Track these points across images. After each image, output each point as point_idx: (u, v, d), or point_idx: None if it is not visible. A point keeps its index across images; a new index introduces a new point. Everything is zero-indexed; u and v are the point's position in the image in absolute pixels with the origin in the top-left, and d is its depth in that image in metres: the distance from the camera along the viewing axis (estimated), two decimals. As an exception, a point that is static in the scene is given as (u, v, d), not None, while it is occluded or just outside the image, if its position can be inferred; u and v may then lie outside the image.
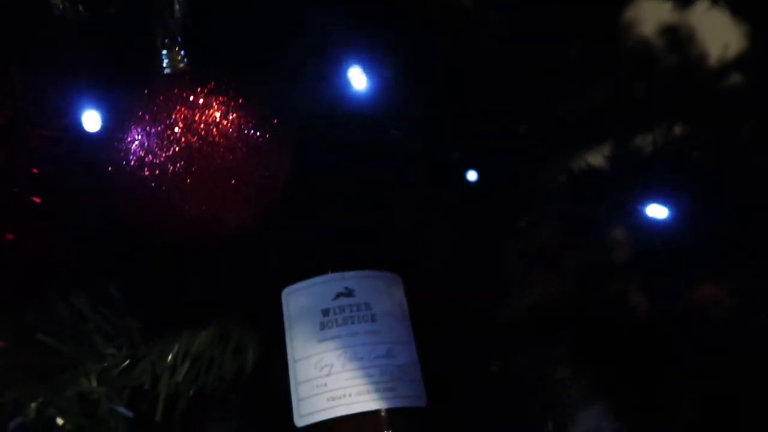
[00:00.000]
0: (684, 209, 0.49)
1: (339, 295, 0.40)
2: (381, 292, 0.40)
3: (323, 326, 0.39)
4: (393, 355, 0.38)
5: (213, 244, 0.39)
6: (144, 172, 0.36)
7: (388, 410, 0.36)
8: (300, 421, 0.37)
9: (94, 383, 0.32)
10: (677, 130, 0.54)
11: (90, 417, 0.32)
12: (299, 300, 0.40)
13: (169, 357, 0.37)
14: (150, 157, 0.36)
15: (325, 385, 0.37)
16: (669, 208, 0.48)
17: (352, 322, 0.39)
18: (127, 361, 0.35)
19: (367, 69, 0.43)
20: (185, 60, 0.39)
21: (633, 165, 0.53)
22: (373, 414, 0.36)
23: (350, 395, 0.37)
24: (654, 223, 0.51)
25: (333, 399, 0.37)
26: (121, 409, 0.33)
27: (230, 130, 0.37)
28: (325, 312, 0.39)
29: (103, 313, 0.35)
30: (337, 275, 0.40)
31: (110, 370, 0.34)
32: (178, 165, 0.36)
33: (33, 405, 0.33)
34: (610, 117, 0.55)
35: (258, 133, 0.38)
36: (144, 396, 0.36)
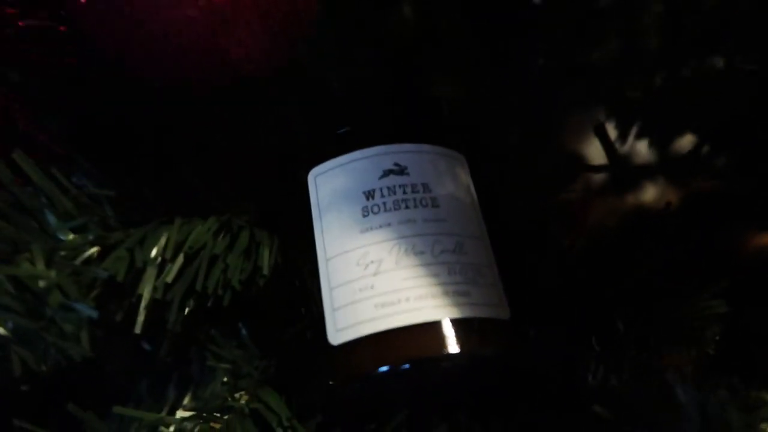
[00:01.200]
0: None
1: (388, 173, 0.30)
2: (442, 173, 0.30)
3: (367, 212, 0.29)
4: (464, 251, 0.28)
5: (216, 93, 0.28)
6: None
7: (459, 321, 0.26)
8: (336, 337, 0.27)
9: (41, 267, 0.22)
10: None
11: (34, 317, 0.22)
12: (333, 181, 0.30)
13: (154, 249, 0.26)
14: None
15: (372, 287, 0.27)
16: None
17: (407, 207, 0.29)
18: (94, 249, 0.25)
19: None
20: None
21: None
22: (440, 326, 0.26)
23: (408, 300, 0.26)
24: None
25: (383, 305, 0.26)
26: (83, 307, 0.22)
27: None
28: (369, 194, 0.29)
29: (58, 181, 0.25)
30: (379, 149, 0.30)
31: (67, 255, 0.24)
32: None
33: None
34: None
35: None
36: (118, 299, 0.26)
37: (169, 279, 0.26)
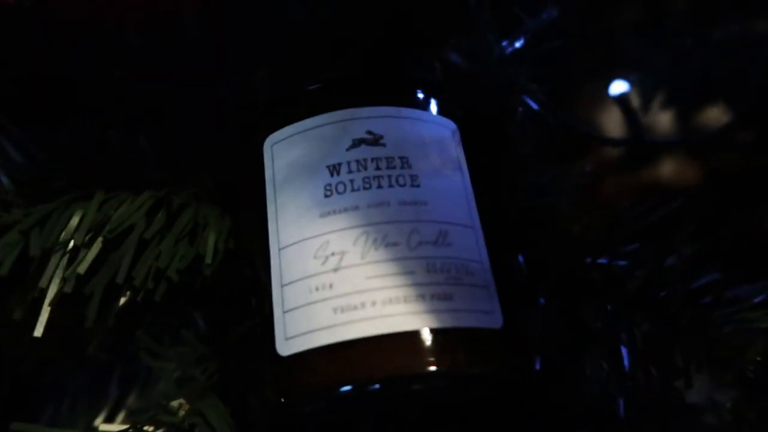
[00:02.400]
0: None
1: (358, 142, 0.24)
2: (427, 145, 0.25)
3: (330, 191, 0.23)
4: (448, 243, 0.23)
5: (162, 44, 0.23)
6: None
7: (437, 331, 0.21)
8: (285, 347, 0.22)
9: None
10: None
11: None
12: (292, 151, 0.24)
13: (63, 231, 0.21)
14: None
15: (331, 286, 0.22)
16: None
17: (379, 186, 0.23)
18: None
19: None
20: None
21: None
22: (413, 337, 0.21)
23: (374, 304, 0.21)
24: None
25: (344, 310, 0.21)
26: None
27: None
28: (334, 169, 0.23)
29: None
30: (349, 112, 0.24)
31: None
32: None
33: None
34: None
35: None
36: (20, 293, 0.21)
37: (82, 270, 0.21)
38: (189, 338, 0.26)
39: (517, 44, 0.31)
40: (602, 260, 0.26)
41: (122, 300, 0.25)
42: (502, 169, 0.27)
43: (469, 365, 0.21)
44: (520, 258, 0.26)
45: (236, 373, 0.24)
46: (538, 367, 0.23)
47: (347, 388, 0.20)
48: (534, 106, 0.28)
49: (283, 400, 0.21)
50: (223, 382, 0.25)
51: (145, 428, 0.24)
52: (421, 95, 0.25)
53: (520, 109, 0.29)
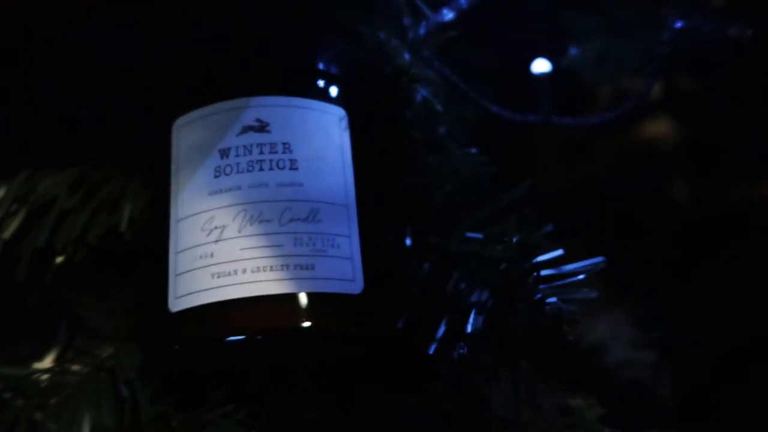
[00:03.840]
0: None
1: (247, 129, 0.27)
2: (310, 130, 0.28)
3: (219, 172, 0.27)
4: (318, 219, 0.26)
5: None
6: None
7: (299, 296, 0.25)
8: (175, 305, 0.25)
9: None
10: None
11: None
12: (193, 134, 0.28)
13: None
14: None
15: (212, 255, 0.25)
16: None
17: (261, 169, 0.27)
18: None
19: None
20: None
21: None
22: (278, 300, 0.25)
23: (245, 271, 0.25)
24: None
25: (219, 275, 0.25)
26: None
27: None
28: (224, 153, 0.27)
29: None
30: (242, 101, 0.27)
31: None
32: None
33: None
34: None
35: None
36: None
37: (6, 235, 0.26)
38: (113, 294, 0.30)
39: (422, 32, 0.34)
40: (474, 235, 0.29)
41: (57, 260, 0.29)
42: (391, 152, 0.30)
43: (327, 324, 0.25)
44: (402, 233, 0.30)
45: (143, 328, 0.28)
46: (400, 326, 0.27)
47: (220, 339, 0.24)
48: (425, 93, 0.31)
49: (176, 347, 0.26)
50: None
51: (73, 367, 0.29)
52: (310, 85, 0.28)
53: (420, 96, 0.32)
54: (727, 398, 0.43)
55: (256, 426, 0.25)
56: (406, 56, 0.33)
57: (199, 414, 0.26)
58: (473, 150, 0.34)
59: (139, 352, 0.28)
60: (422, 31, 0.35)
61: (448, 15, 0.37)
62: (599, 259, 0.26)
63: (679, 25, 0.34)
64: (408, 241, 0.31)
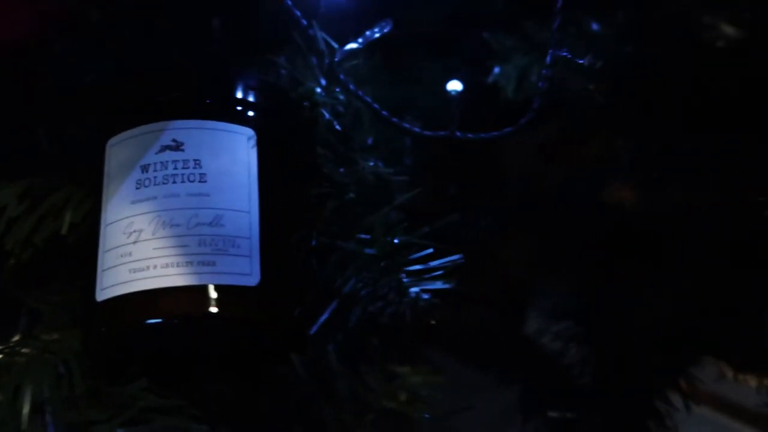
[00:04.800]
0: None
1: (165, 148, 0.32)
2: (220, 149, 0.33)
3: (139, 185, 0.32)
4: (221, 224, 0.31)
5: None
6: None
7: (201, 287, 0.30)
8: (100, 295, 0.31)
9: None
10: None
11: None
12: (121, 152, 0.33)
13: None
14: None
15: (130, 254, 0.30)
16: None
17: (174, 182, 0.32)
18: None
19: None
20: None
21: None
22: (182, 291, 0.30)
23: (156, 267, 0.30)
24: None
25: (135, 271, 0.30)
26: None
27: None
28: (145, 168, 0.32)
29: None
30: (162, 124, 0.32)
31: None
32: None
33: None
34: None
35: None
36: None
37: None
38: (60, 289, 0.35)
39: (337, 59, 0.39)
40: (364, 236, 0.34)
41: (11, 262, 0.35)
42: (298, 166, 0.35)
43: (227, 311, 0.30)
44: (306, 234, 0.35)
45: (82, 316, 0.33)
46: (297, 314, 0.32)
47: (135, 323, 0.29)
48: (326, 115, 0.36)
49: (103, 330, 0.31)
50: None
51: (23, 350, 0.34)
52: (221, 110, 0.33)
53: (328, 116, 0.37)
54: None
55: (169, 395, 0.30)
56: (323, 82, 0.39)
57: (123, 387, 0.31)
58: (380, 163, 0.39)
59: (77, 338, 0.34)
60: (337, 58, 0.40)
61: (359, 44, 0.42)
62: (458, 256, 0.31)
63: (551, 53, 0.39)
64: (313, 242, 0.36)
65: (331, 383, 0.25)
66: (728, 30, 0.44)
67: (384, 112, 0.41)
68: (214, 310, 0.30)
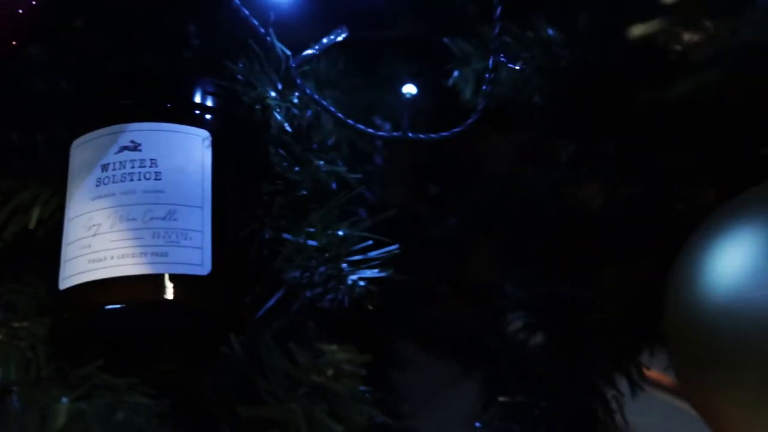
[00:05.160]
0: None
1: (123, 149, 0.35)
2: (174, 149, 0.35)
3: (99, 182, 0.34)
4: (174, 218, 0.34)
5: None
6: None
7: (154, 276, 0.32)
8: (62, 284, 0.33)
9: None
10: None
11: None
12: (83, 153, 0.35)
13: None
14: None
15: (89, 246, 0.33)
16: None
17: (131, 179, 0.34)
18: None
19: None
20: None
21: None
22: (137, 279, 0.32)
23: (112, 258, 0.32)
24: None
25: (94, 261, 0.33)
26: None
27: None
28: (104, 167, 0.35)
29: None
30: (121, 126, 0.35)
31: None
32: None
33: None
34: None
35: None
36: None
37: None
38: (32, 281, 0.38)
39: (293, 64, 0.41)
40: (311, 229, 0.37)
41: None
42: (252, 164, 0.37)
43: (178, 298, 0.32)
44: (260, 228, 0.37)
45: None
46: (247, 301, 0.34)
47: (93, 309, 0.32)
48: (278, 118, 0.38)
49: (65, 316, 0.33)
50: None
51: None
52: (176, 113, 0.36)
53: (280, 118, 0.39)
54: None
55: (125, 375, 0.32)
56: (279, 86, 0.41)
57: (86, 368, 0.34)
58: (340, 162, 0.42)
59: (46, 325, 0.36)
60: (294, 64, 0.43)
61: (315, 50, 0.44)
62: (394, 247, 0.33)
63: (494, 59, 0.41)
64: (266, 235, 0.38)
65: (264, 361, 0.28)
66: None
67: (339, 115, 0.44)
68: (167, 297, 0.32)
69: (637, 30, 0.37)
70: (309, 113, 0.42)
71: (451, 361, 0.64)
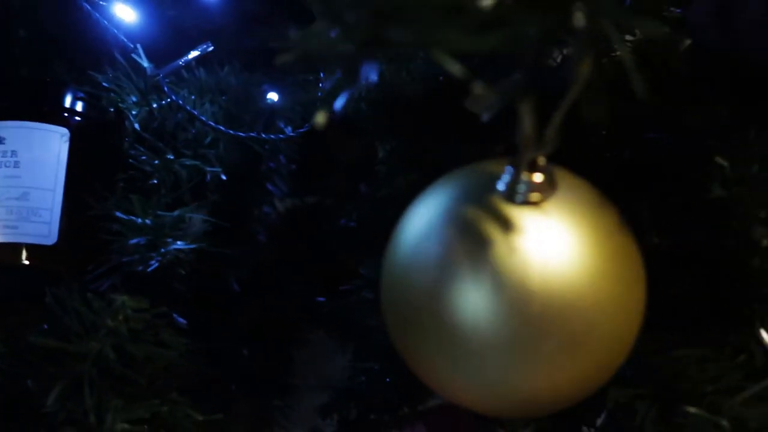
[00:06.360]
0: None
1: (-8, 142, 0.43)
2: (33, 143, 0.43)
3: (-28, 169, 0.43)
4: (27, 199, 0.42)
5: None
6: None
7: (7, 244, 0.41)
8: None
9: None
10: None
11: None
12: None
13: None
14: None
15: (-43, 219, 0.41)
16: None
17: (-4, 167, 0.42)
18: None
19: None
20: None
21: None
22: (-9, 247, 0.41)
23: (-27, 229, 0.41)
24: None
25: (-39, 232, 0.41)
26: None
27: None
28: (-23, 157, 0.43)
29: None
30: (-8, 124, 0.43)
31: None
32: None
33: None
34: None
35: None
36: None
37: None
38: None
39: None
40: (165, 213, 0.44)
41: None
42: (106, 157, 0.45)
43: (27, 262, 0.40)
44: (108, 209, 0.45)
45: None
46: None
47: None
48: (131, 118, 0.46)
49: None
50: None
51: None
52: (38, 113, 0.44)
53: (132, 119, 0.47)
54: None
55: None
56: (142, 92, 0.49)
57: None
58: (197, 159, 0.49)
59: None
60: (160, 74, 0.51)
61: (182, 62, 0.52)
62: (201, 217, 0.41)
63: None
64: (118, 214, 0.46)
65: (73, 310, 0.36)
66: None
67: (202, 117, 0.52)
68: (17, 261, 0.40)
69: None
70: (180, 116, 0.50)
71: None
